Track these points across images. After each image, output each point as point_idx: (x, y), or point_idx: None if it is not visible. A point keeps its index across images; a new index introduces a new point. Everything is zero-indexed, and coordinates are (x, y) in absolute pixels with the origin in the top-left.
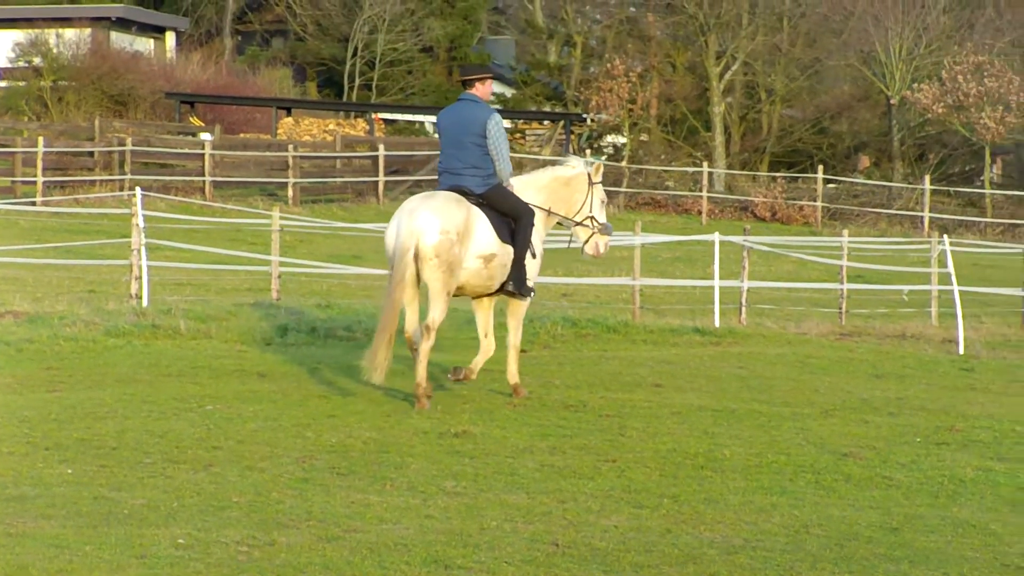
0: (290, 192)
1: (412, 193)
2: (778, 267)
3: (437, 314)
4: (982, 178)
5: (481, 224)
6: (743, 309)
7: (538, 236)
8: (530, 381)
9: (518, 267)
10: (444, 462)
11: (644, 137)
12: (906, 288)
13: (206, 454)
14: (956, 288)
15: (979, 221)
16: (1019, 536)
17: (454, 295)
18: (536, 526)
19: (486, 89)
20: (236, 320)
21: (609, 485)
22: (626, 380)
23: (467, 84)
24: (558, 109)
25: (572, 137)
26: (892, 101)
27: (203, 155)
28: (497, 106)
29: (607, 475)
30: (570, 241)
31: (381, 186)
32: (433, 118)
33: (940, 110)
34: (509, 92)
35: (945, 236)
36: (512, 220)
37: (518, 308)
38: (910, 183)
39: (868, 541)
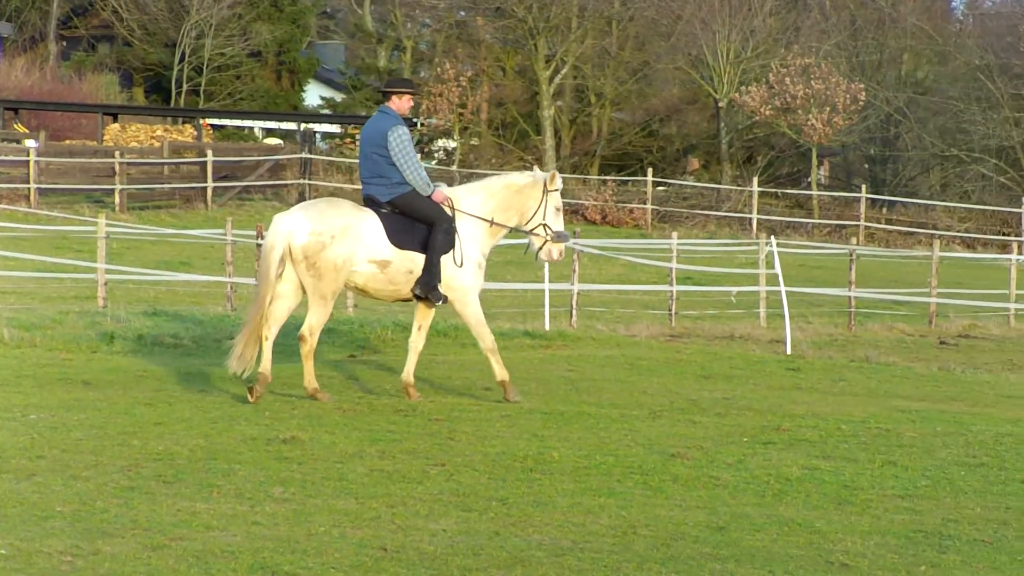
0: (117, 199)
1: (241, 199)
2: (608, 270)
3: (313, 319)
4: (809, 179)
5: (371, 230)
6: (573, 312)
7: (477, 244)
8: (359, 387)
9: (427, 272)
10: (272, 468)
11: (475, 141)
12: (735, 289)
13: (29, 463)
14: (783, 289)
15: (806, 222)
16: (844, 534)
17: (374, 298)
18: (365, 531)
19: (402, 103)
20: (61, 328)
21: (438, 489)
22: (456, 384)
23: (386, 96)
24: None
25: None
26: (720, 104)
27: (28, 162)
28: (326, 110)
29: (436, 479)
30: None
31: (210, 192)
32: (262, 123)
33: (768, 112)
34: (339, 97)
35: (772, 237)
36: (428, 227)
37: (462, 311)
38: (739, 185)
39: (695, 541)
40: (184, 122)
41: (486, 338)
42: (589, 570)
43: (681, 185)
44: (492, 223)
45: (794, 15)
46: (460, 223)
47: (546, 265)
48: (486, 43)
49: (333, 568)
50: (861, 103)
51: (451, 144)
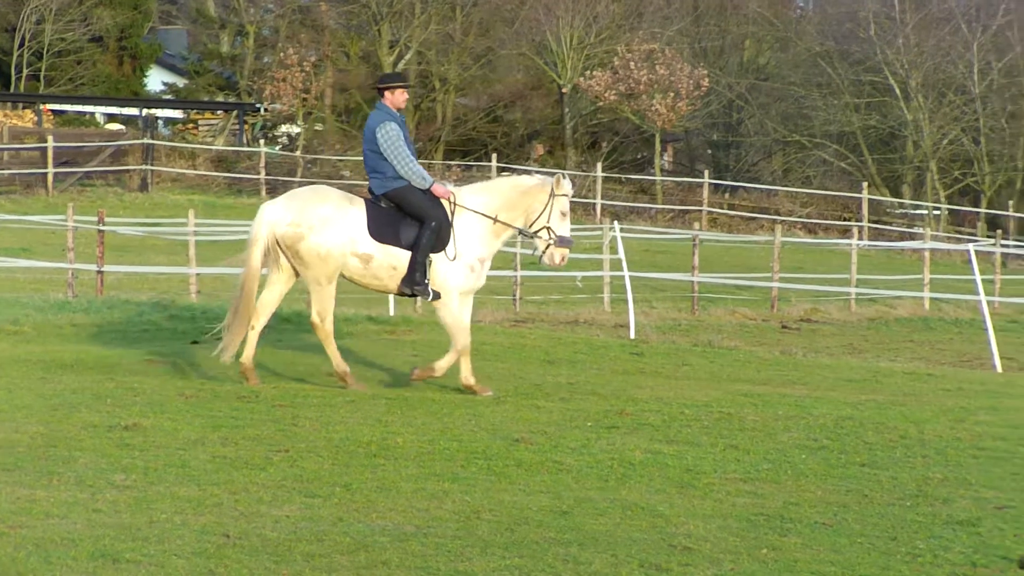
0: None
1: (82, 185)
2: None
3: (316, 305)
4: (653, 165)
5: (353, 222)
6: (419, 299)
7: (476, 243)
8: (201, 373)
9: (412, 268)
10: (113, 455)
11: (319, 127)
12: (579, 275)
13: None
14: (627, 274)
15: (650, 208)
16: (686, 517)
17: (367, 288)
18: (207, 518)
19: (395, 98)
20: None
21: (281, 475)
22: (300, 369)
23: (380, 92)
24: (231, 99)
25: (246, 127)
26: (564, 90)
27: None
28: (169, 96)
29: (279, 465)
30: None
31: (50, 178)
32: (104, 109)
33: (612, 98)
34: (182, 82)
35: (616, 223)
36: (419, 223)
37: (440, 311)
38: (583, 170)
39: (538, 525)
40: (24, 107)
41: (459, 340)
42: (433, 555)
43: (526, 171)
44: (496, 220)
45: (637, 1)
46: (460, 220)
47: None
48: (330, 28)
49: (175, 555)
50: (704, 89)
51: (295, 130)
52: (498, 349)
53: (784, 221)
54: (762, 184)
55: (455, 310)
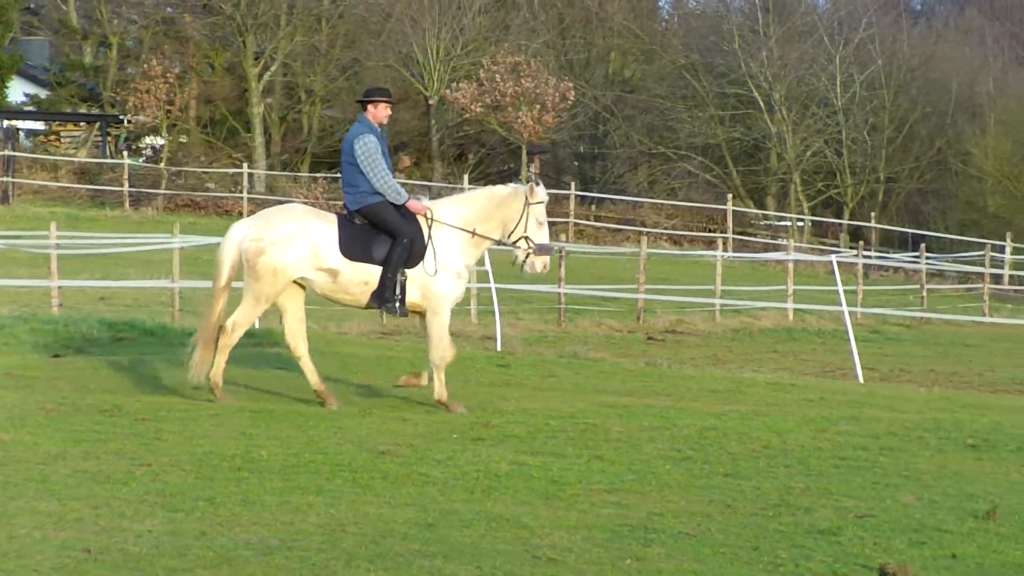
0: None
1: None
2: None
3: (239, 315)
4: (520, 177)
5: (321, 238)
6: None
7: (457, 253)
8: (64, 386)
9: (383, 284)
10: None
11: (183, 139)
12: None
13: None
14: (494, 286)
15: None
16: (551, 528)
17: (341, 304)
18: (68, 533)
19: (377, 112)
20: None
21: (144, 489)
22: (164, 383)
23: (363, 106)
24: (94, 111)
25: (109, 139)
26: (431, 101)
27: None
28: (30, 107)
29: (142, 479)
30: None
31: None
32: None
33: (478, 110)
34: (43, 93)
35: None
36: (391, 239)
37: (430, 320)
38: (450, 182)
39: (403, 537)
40: None
41: (440, 353)
42: (297, 569)
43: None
44: (474, 234)
45: (503, 13)
46: (438, 233)
47: None
48: (194, 40)
49: (35, 571)
50: (570, 101)
51: (159, 142)
52: (364, 361)
53: (650, 233)
54: (628, 196)
55: (445, 320)
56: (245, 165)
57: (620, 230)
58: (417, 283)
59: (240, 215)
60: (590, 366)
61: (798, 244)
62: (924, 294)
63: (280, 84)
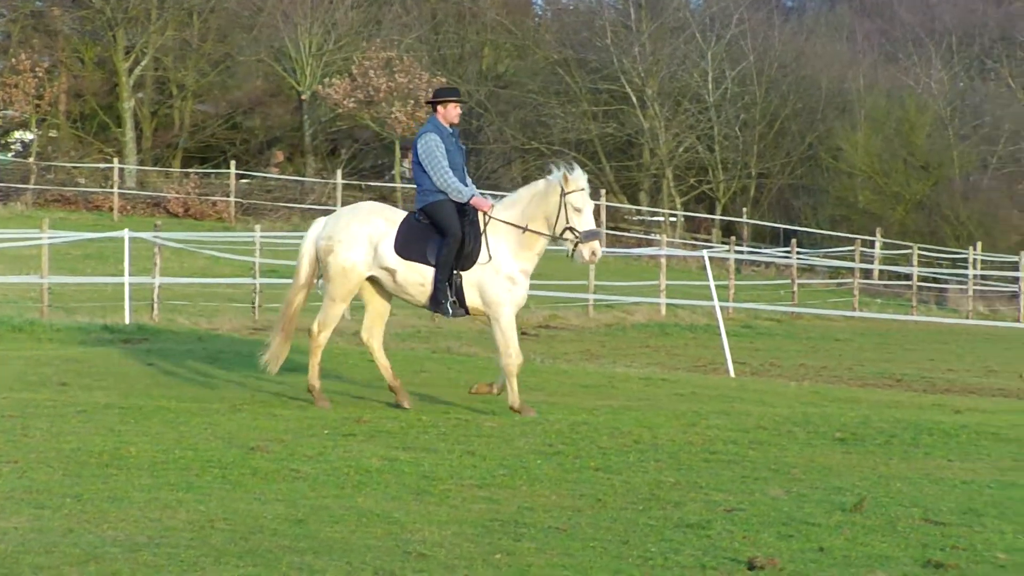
0: None
1: None
2: (191, 263)
3: (321, 315)
4: (393, 172)
5: (382, 238)
6: (155, 306)
7: (512, 254)
8: None
9: (434, 286)
10: None
11: (53, 133)
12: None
13: None
14: None
15: None
16: (422, 524)
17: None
18: None
19: (447, 112)
20: None
21: (10, 486)
22: (31, 379)
23: (435, 108)
24: None
25: None
26: (303, 96)
27: None
28: None
29: (8, 476)
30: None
31: None
32: None
33: (351, 105)
34: None
35: None
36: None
37: (493, 326)
38: (323, 178)
39: (273, 533)
40: None
41: (506, 359)
42: (165, 566)
43: (265, 178)
44: (526, 230)
45: (375, 8)
46: (493, 234)
47: (126, 258)
48: (63, 34)
49: None
50: None
51: (28, 136)
52: (236, 357)
53: None
54: (502, 191)
55: (507, 325)
56: (116, 160)
57: None
58: (475, 286)
59: (111, 210)
60: (463, 361)
61: (671, 239)
62: (795, 289)
63: (151, 79)
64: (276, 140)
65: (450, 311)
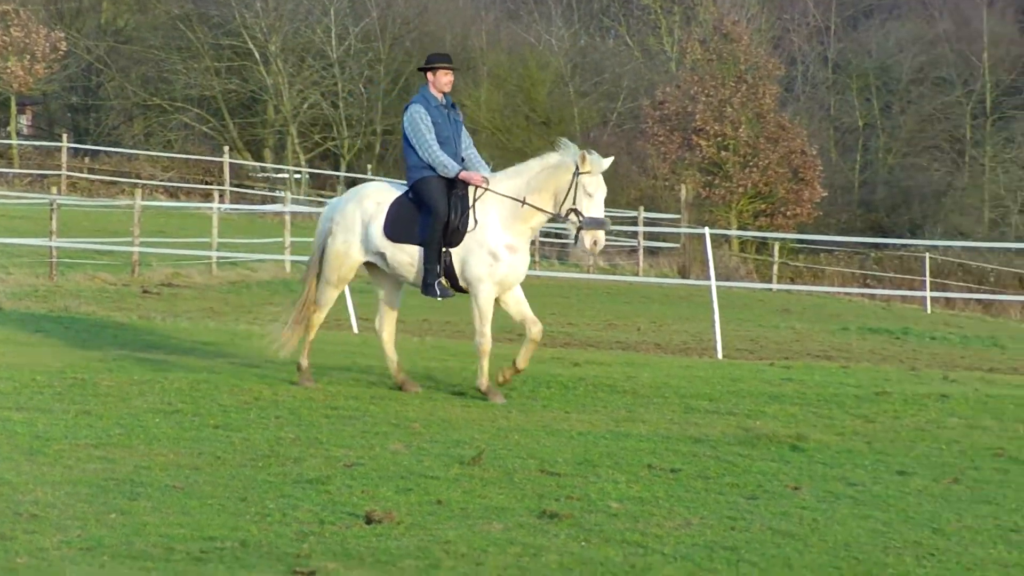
0: None
1: None
2: None
3: (316, 296)
4: (9, 129)
5: (374, 220)
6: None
7: (498, 230)
8: None
9: (422, 266)
10: None
11: None
12: None
13: None
14: None
15: (7, 172)
16: (34, 484)
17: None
18: None
19: (437, 80)
20: None
21: None
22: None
23: (425, 75)
24: None
25: None
26: None
27: None
28: None
29: None
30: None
31: None
32: None
33: None
34: None
35: None
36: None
37: (472, 302)
38: None
39: None
40: None
41: (476, 339)
42: None
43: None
44: (524, 203)
45: None
46: (482, 208)
47: None
48: None
49: None
50: (62, 52)
51: None
52: None
53: (146, 185)
54: (123, 148)
55: (483, 303)
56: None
57: (115, 182)
58: (458, 263)
59: None
60: (81, 320)
61: (296, 196)
62: None
63: None
64: None
65: (438, 292)
